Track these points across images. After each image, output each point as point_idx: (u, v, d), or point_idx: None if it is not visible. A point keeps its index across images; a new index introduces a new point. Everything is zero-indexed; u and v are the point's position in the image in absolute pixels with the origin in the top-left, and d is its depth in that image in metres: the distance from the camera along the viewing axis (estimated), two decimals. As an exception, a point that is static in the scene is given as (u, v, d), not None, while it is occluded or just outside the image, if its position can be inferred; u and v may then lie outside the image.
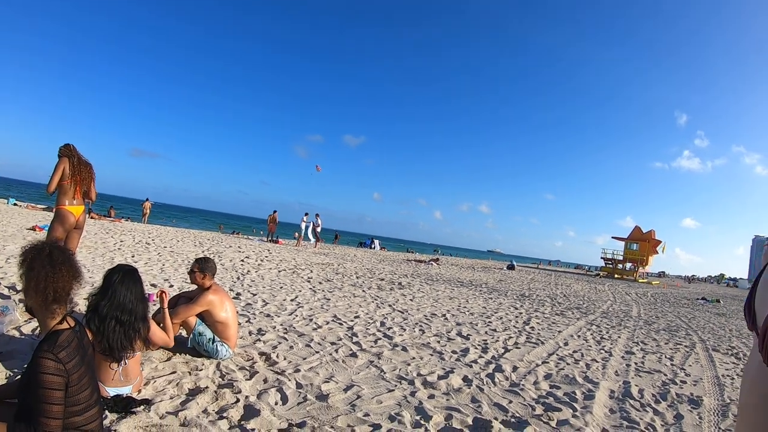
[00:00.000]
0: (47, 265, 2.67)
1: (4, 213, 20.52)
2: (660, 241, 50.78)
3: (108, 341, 3.78)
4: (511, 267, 39.24)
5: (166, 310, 4.80)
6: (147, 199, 38.78)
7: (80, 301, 6.34)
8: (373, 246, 46.70)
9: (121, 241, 15.65)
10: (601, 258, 53.91)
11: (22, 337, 5.11)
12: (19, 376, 3.75)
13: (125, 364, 3.93)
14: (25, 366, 3.01)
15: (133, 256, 12.60)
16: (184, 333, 5.37)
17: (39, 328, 5.47)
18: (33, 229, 15.55)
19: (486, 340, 7.88)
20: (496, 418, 4.46)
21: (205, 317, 5.21)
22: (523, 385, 5.65)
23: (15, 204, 29.50)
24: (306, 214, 30.10)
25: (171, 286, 9.00)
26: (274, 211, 31.10)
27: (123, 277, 3.96)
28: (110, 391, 3.84)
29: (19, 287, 7.10)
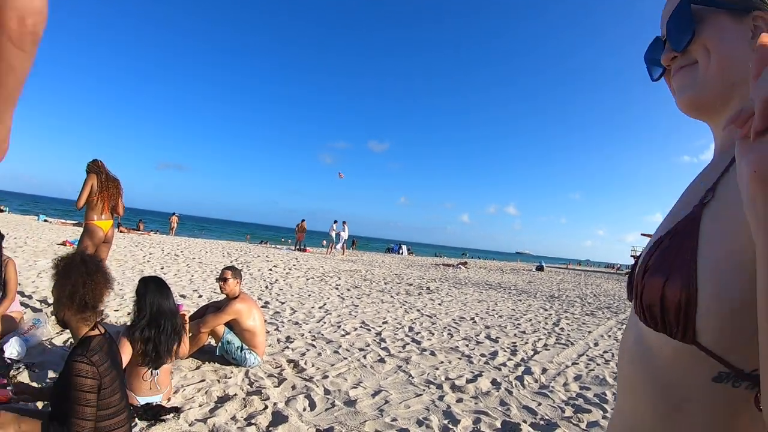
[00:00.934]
0: (83, 273, 2.76)
1: (35, 229, 20.88)
2: (690, 237, 50.04)
3: (158, 348, 3.87)
4: (539, 268, 38.87)
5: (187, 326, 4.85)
6: (174, 213, 39.59)
7: (111, 313, 6.47)
8: (400, 251, 46.61)
9: (150, 254, 15.85)
10: (631, 256, 53.22)
11: (54, 348, 5.21)
12: (52, 382, 3.84)
13: (158, 373, 4.01)
14: (59, 373, 3.08)
15: (162, 268, 12.75)
16: (212, 341, 5.43)
17: (71, 339, 5.58)
18: (63, 244, 15.78)
19: (515, 343, 7.83)
20: (524, 421, 4.44)
21: (233, 325, 5.27)
22: (552, 387, 5.61)
23: (45, 220, 29.97)
24: (335, 222, 30.22)
25: (200, 296, 9.11)
26: (303, 220, 31.28)
27: (156, 286, 4.07)
28: (141, 400, 3.91)
29: (50, 299, 7.24)
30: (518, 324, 9.82)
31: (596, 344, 8.38)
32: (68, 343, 5.48)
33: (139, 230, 31.13)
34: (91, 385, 2.59)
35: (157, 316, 3.95)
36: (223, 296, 5.54)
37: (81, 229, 19.36)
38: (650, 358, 0.83)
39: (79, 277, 2.74)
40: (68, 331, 2.83)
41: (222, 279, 5.34)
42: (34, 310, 6.71)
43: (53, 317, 6.28)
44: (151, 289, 4.05)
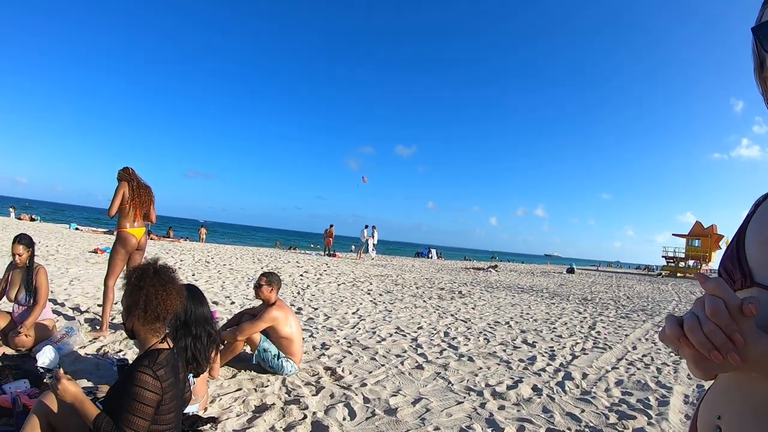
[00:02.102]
0: (156, 284, 2.77)
1: (66, 237, 21.20)
2: (722, 236, 48.92)
3: (197, 356, 3.84)
4: (570, 270, 38.45)
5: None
6: (202, 225, 40.53)
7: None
8: (430, 255, 46.47)
9: (181, 260, 15.98)
10: (662, 257, 52.48)
11: (88, 356, 5.24)
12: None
13: (194, 383, 3.98)
14: (117, 379, 3.08)
15: (193, 275, 12.84)
16: (248, 349, 5.41)
17: (104, 347, 5.62)
18: (95, 251, 15.98)
19: (552, 347, 7.71)
20: (569, 429, 4.33)
21: (269, 333, 5.24)
22: (594, 392, 5.49)
23: (77, 228, 30.44)
24: (366, 227, 30.22)
25: (232, 303, 9.13)
26: (331, 225, 31.32)
27: (193, 294, 4.04)
28: (178, 411, 3.89)
29: (83, 307, 7.30)
30: (554, 328, 9.68)
31: (635, 348, 8.22)
32: (101, 351, 5.52)
33: (169, 237, 31.47)
34: (150, 398, 2.56)
35: (192, 323, 3.92)
36: (257, 302, 5.52)
37: (112, 237, 19.56)
38: None
39: (152, 288, 2.74)
40: (137, 340, 2.82)
41: (258, 285, 5.33)
42: (67, 318, 6.77)
43: (86, 325, 6.35)
44: (186, 297, 4.02)
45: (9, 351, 5.22)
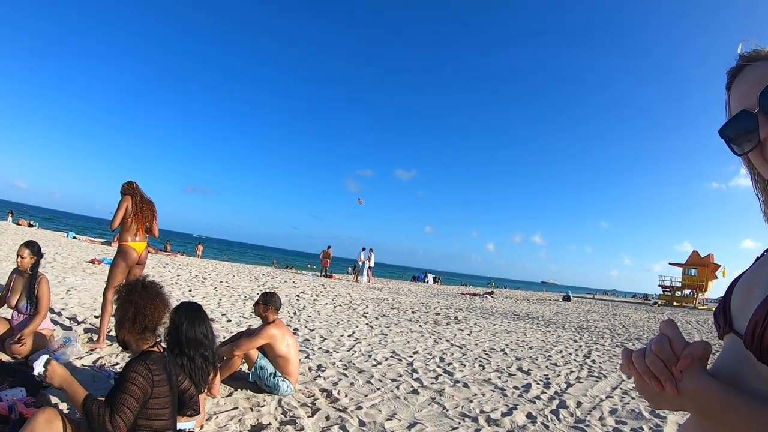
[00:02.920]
0: (145, 297, 3.03)
1: (64, 246, 21.18)
2: (719, 266, 48.88)
3: (192, 376, 3.87)
4: (566, 298, 38.37)
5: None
6: (200, 242, 41.35)
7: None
8: (426, 280, 46.40)
9: (178, 275, 15.97)
10: (659, 286, 52.36)
11: (84, 367, 5.27)
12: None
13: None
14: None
15: (190, 290, 12.85)
16: (245, 368, 5.44)
17: (101, 359, 5.64)
18: (92, 262, 15.96)
19: (547, 375, 7.72)
20: (564, 457, 4.36)
21: (266, 351, 5.29)
22: (588, 421, 5.51)
23: (74, 237, 30.39)
24: (363, 250, 30.23)
25: (229, 320, 9.13)
26: (329, 247, 31.33)
27: (191, 316, 4.07)
28: (174, 427, 3.91)
29: (80, 317, 7.31)
30: (549, 356, 9.69)
31: (629, 377, 8.20)
32: (98, 362, 5.57)
33: (166, 251, 31.37)
34: (141, 385, 2.75)
35: (185, 344, 3.95)
36: (254, 320, 5.58)
37: (109, 248, 19.34)
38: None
39: (140, 301, 2.99)
40: (130, 351, 3.02)
41: (257, 303, 5.44)
42: (64, 327, 6.81)
43: (83, 336, 6.38)
44: (182, 317, 4.05)
45: (5, 358, 5.25)
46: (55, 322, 6.82)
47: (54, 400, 4.32)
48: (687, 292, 49.49)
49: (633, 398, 6.70)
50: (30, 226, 34.60)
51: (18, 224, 34.02)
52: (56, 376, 2.72)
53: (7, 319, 5.67)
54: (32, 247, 5.70)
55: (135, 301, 2.99)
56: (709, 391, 0.88)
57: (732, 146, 1.06)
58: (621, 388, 7.25)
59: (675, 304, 47.66)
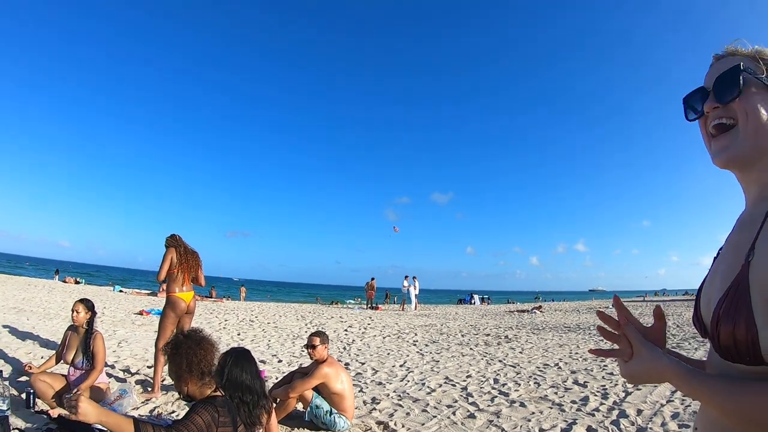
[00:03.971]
0: (192, 344, 3.13)
1: (111, 299, 21.58)
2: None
3: (244, 419, 3.96)
4: (617, 305, 37.56)
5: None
6: (242, 285, 42.13)
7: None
8: (472, 301, 46.02)
9: (226, 320, 16.16)
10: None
11: (142, 417, 5.39)
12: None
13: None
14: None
15: (238, 334, 13.02)
16: (300, 407, 5.51)
17: (158, 408, 5.79)
18: (140, 313, 16.25)
19: (604, 386, 7.63)
20: (628, 467, 4.33)
21: (321, 389, 5.36)
22: (650, 428, 5.45)
23: (120, 291, 30.86)
24: (406, 278, 30.20)
25: (279, 361, 9.24)
26: (372, 278, 31.34)
27: (236, 359, 4.14)
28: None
29: (133, 368, 7.48)
30: (604, 365, 9.56)
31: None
32: (155, 411, 5.69)
33: (211, 297, 31.72)
34: (206, 421, 2.80)
35: (227, 387, 4.02)
36: (304, 359, 5.63)
37: (155, 299, 19.63)
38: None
39: (189, 350, 3.08)
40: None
41: (311, 346, 5.46)
42: (118, 379, 7.00)
43: (137, 387, 6.54)
44: (229, 362, 4.13)
45: (64, 413, 5.40)
46: (109, 375, 7.00)
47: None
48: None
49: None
50: (76, 282, 35.22)
51: (65, 282, 34.70)
52: (89, 413, 2.68)
53: (64, 375, 5.86)
54: (87, 303, 5.96)
55: (184, 352, 3.09)
56: (660, 360, 1.20)
57: (686, 112, 1.39)
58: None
59: (729, 297, 46.35)
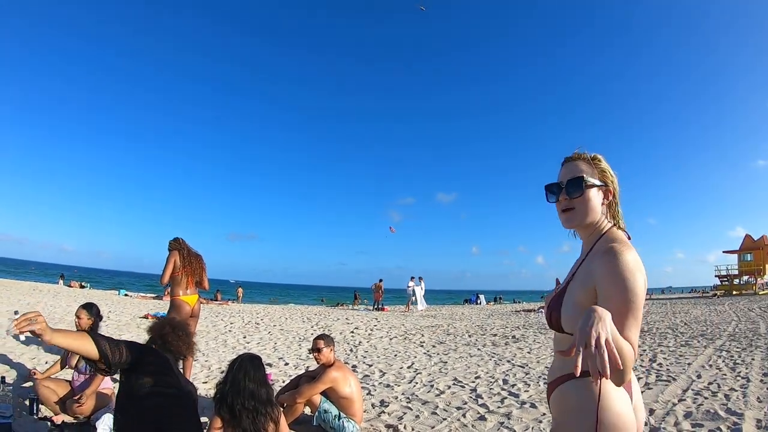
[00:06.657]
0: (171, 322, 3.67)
1: (117, 303, 21.56)
2: (775, 246, 47.20)
3: (242, 427, 3.90)
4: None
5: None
6: (239, 286, 45.08)
7: (200, 386, 6.57)
8: (478, 301, 45.88)
9: (231, 323, 16.12)
10: (716, 276, 50.68)
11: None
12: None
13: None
14: None
15: (244, 337, 12.95)
16: (308, 411, 5.45)
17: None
18: (145, 317, 16.19)
19: (615, 385, 7.54)
20: (643, 469, 4.25)
21: (328, 394, 5.29)
22: (663, 428, 5.38)
23: (126, 295, 30.83)
24: (411, 278, 30.13)
25: (286, 363, 9.17)
26: (380, 280, 31.25)
27: (242, 365, 4.09)
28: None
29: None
30: (614, 364, 9.47)
31: (699, 376, 8.01)
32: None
33: (217, 300, 31.63)
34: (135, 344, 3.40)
35: (232, 396, 3.95)
36: (311, 362, 5.57)
37: (160, 302, 19.60)
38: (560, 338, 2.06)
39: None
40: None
41: (316, 350, 5.39)
42: (115, 381, 6.92)
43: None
44: (234, 368, 4.08)
45: (68, 419, 5.36)
46: (114, 380, 6.94)
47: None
48: (745, 278, 47.84)
49: (706, 398, 6.53)
50: (81, 287, 35.10)
51: (70, 286, 34.66)
52: (46, 331, 2.71)
53: (68, 381, 5.81)
54: (90, 309, 5.92)
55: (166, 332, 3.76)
56: None
57: (547, 196, 2.15)
58: (693, 390, 7.07)
59: (735, 292, 46.03)
